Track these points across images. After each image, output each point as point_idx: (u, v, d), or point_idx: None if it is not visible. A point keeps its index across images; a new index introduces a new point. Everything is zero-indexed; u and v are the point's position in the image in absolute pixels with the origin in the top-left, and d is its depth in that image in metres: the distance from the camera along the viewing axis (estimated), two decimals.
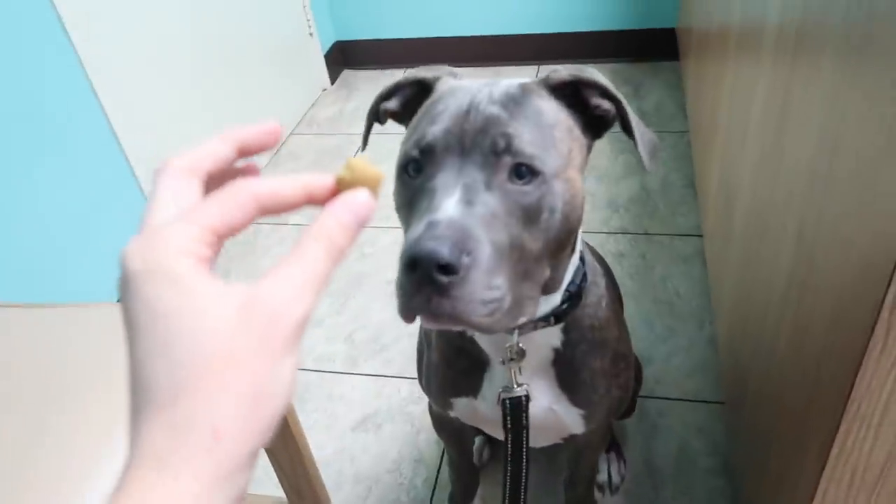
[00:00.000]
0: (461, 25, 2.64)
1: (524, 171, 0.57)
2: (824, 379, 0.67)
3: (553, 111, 0.63)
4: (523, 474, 0.78)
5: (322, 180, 0.36)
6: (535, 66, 2.63)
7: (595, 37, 2.56)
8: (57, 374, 0.76)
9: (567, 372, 0.78)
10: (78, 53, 1.48)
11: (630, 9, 2.50)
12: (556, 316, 0.71)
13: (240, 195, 0.33)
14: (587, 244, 0.82)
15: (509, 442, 0.76)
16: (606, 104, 0.65)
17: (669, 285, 1.62)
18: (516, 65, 2.65)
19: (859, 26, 0.60)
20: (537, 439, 0.77)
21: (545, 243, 0.59)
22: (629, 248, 1.74)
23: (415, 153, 0.60)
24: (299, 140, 2.38)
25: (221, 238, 0.33)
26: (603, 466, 1.23)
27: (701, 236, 1.72)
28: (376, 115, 0.74)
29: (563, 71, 0.64)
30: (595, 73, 0.65)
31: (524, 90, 0.63)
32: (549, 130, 0.61)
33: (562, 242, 0.62)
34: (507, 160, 0.57)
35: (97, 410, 0.71)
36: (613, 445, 1.25)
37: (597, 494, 1.20)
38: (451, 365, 0.82)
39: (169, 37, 1.80)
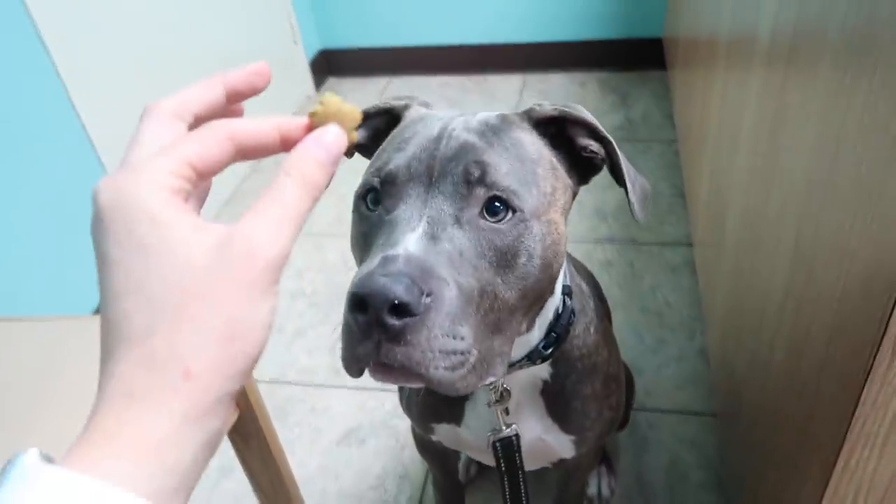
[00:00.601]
0: (447, 34, 2.63)
1: (499, 208, 0.51)
2: (825, 394, 0.65)
3: (536, 146, 0.57)
4: None
5: (296, 121, 0.36)
6: (522, 76, 2.62)
7: (582, 46, 2.55)
8: (32, 389, 0.73)
9: (557, 401, 0.74)
10: (54, 62, 1.44)
11: (617, 18, 2.49)
12: (541, 357, 0.67)
13: (217, 131, 0.33)
14: (573, 259, 0.79)
15: (506, 485, 0.73)
16: (595, 145, 0.59)
17: (658, 295, 1.60)
18: (502, 73, 2.64)
19: (861, 30, 0.58)
20: (526, 465, 0.73)
21: (521, 292, 0.52)
22: (617, 256, 1.72)
23: (374, 182, 0.54)
24: None
25: (200, 174, 0.32)
26: (593, 480, 1.20)
27: (690, 245, 1.71)
28: None
29: (548, 106, 0.59)
30: (583, 110, 0.59)
31: (504, 120, 0.58)
32: (530, 165, 0.55)
33: (541, 292, 0.55)
34: (481, 192, 0.51)
35: (69, 423, 0.68)
36: (604, 458, 1.22)
37: None
38: (432, 392, 0.78)
39: (150, 43, 1.77)
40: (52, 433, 0.69)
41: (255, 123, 0.34)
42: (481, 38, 2.61)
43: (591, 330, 0.74)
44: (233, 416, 0.80)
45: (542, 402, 0.74)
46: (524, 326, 0.56)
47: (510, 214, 0.51)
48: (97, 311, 1.23)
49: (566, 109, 0.59)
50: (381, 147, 0.60)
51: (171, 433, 0.28)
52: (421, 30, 2.63)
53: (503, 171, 0.52)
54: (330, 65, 2.77)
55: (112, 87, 1.62)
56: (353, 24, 2.66)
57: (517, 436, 0.70)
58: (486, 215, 0.51)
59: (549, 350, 0.67)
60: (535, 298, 0.55)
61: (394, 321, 0.43)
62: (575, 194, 0.62)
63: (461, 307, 0.46)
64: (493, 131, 0.55)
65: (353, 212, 0.57)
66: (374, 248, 0.50)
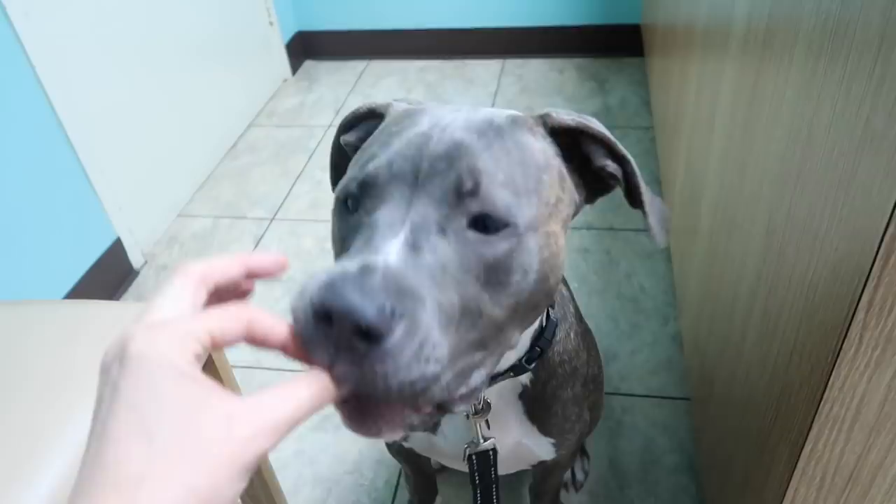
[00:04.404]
0: (425, 18, 2.60)
1: (490, 221, 0.46)
2: (794, 378, 0.66)
3: (545, 153, 0.52)
4: None
5: None
6: (500, 61, 2.61)
7: (560, 32, 2.55)
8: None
9: (536, 405, 0.72)
10: (21, 41, 1.40)
11: (595, 4, 2.49)
12: (524, 370, 0.65)
13: (241, 313, 0.37)
14: None
15: (479, 498, 0.71)
16: (613, 166, 0.55)
17: (634, 281, 1.61)
18: (481, 58, 2.62)
19: (834, 14, 0.58)
20: (505, 468, 0.72)
21: (513, 309, 0.47)
22: (594, 243, 1.73)
23: (353, 187, 0.49)
24: (258, 132, 2.32)
25: (215, 344, 0.36)
26: None
27: None
28: (340, 150, 0.64)
29: (564, 114, 0.54)
30: (599, 125, 0.55)
31: (514, 122, 0.52)
32: (534, 171, 0.50)
33: (535, 305, 0.50)
34: (473, 206, 0.46)
35: (40, 406, 0.68)
36: None
37: (561, 493, 1.18)
38: None
39: (123, 23, 1.72)
40: (18, 420, 0.67)
41: (273, 321, 0.38)
42: (460, 23, 2.60)
43: (572, 335, 0.73)
44: None
45: (521, 406, 0.71)
46: (515, 339, 0.52)
47: (502, 228, 0.46)
48: (67, 296, 1.19)
49: (584, 122, 0.54)
50: (365, 144, 0.55)
51: None
52: (399, 13, 2.61)
53: (499, 180, 0.47)
54: (306, 47, 2.73)
55: (78, 61, 1.58)
56: (331, 5, 2.63)
57: (495, 450, 0.68)
58: (475, 228, 0.46)
59: (532, 364, 0.65)
60: (527, 311, 0.50)
61: (360, 345, 0.38)
62: (577, 212, 0.57)
63: (437, 329, 0.41)
64: (497, 131, 0.50)
65: (333, 213, 0.53)
66: (353, 248, 0.45)
